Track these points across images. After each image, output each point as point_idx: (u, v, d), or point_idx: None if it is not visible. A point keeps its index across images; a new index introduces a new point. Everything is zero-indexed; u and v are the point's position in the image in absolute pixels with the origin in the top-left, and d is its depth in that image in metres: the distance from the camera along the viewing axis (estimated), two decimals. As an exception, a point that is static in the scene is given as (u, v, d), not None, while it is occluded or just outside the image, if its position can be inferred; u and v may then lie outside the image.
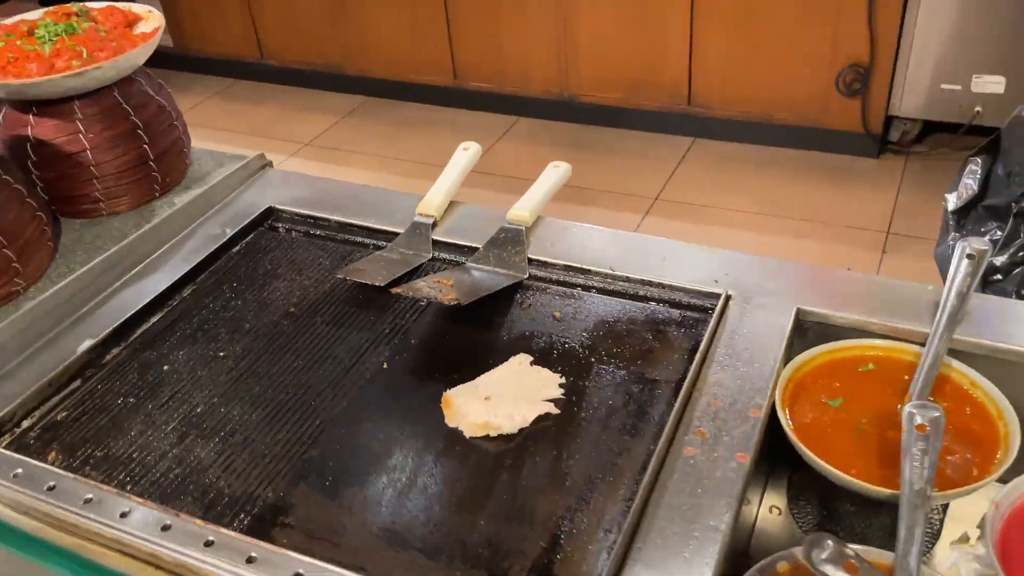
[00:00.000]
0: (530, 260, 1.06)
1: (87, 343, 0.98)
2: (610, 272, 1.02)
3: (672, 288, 0.99)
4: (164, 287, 1.06)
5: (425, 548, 0.74)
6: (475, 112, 3.51)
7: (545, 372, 0.90)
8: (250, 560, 0.72)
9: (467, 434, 0.84)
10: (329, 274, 1.09)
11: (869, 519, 0.90)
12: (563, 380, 0.89)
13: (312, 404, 0.90)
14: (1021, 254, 1.62)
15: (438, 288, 0.97)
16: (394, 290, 0.98)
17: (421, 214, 1.13)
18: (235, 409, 0.90)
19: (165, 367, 0.96)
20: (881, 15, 2.70)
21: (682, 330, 0.95)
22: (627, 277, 1.02)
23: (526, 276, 1.04)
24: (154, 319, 1.04)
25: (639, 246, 1.07)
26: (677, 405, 0.84)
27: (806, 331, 0.95)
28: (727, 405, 0.83)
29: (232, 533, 0.75)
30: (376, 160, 3.29)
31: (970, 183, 1.84)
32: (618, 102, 3.22)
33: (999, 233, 1.69)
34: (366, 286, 1.05)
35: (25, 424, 0.90)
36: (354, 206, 1.20)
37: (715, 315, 0.93)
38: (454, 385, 0.90)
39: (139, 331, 1.02)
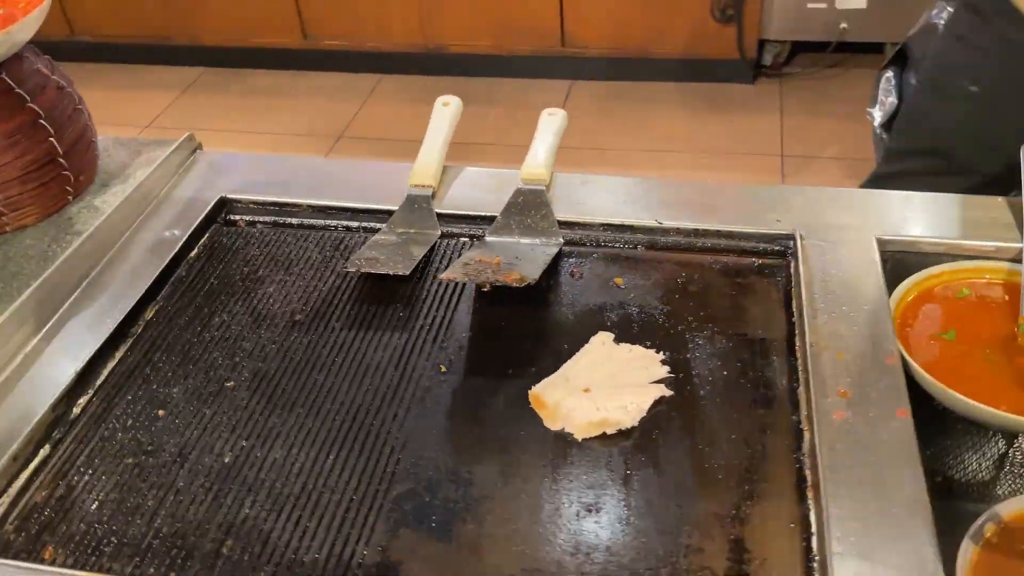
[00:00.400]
0: (559, 223, 0.92)
1: (45, 399, 0.77)
2: (658, 225, 0.91)
3: (735, 235, 0.89)
4: (124, 313, 0.85)
5: (589, 585, 0.61)
6: (332, 73, 3.26)
7: (638, 350, 0.78)
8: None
9: (578, 436, 0.71)
10: (325, 269, 0.91)
11: (984, 452, 0.85)
12: (663, 356, 0.77)
13: (372, 428, 0.73)
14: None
15: (490, 268, 0.82)
16: (443, 276, 0.82)
17: (416, 185, 0.97)
18: (275, 451, 0.72)
19: (159, 411, 0.77)
20: (745, -62, 2.69)
21: (764, 280, 0.85)
22: (678, 228, 0.90)
23: (562, 242, 0.90)
24: (120, 354, 0.83)
25: (675, 192, 0.96)
26: (804, 365, 0.74)
27: (884, 263, 0.88)
28: (855, 357, 0.74)
29: (348, 614, 0.59)
30: (237, 137, 2.99)
31: (889, 96, 1.86)
32: (488, 49, 3.07)
33: (929, 141, 1.71)
34: (376, 278, 0.88)
35: (-7, 516, 0.69)
36: (321, 186, 1.01)
37: (799, 258, 0.84)
38: (535, 380, 0.76)
39: (106, 372, 0.81)
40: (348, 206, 0.98)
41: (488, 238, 0.91)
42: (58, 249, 0.94)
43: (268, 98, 3.20)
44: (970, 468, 0.86)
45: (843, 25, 2.80)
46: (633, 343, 0.79)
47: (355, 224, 0.97)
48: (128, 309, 0.85)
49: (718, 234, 0.90)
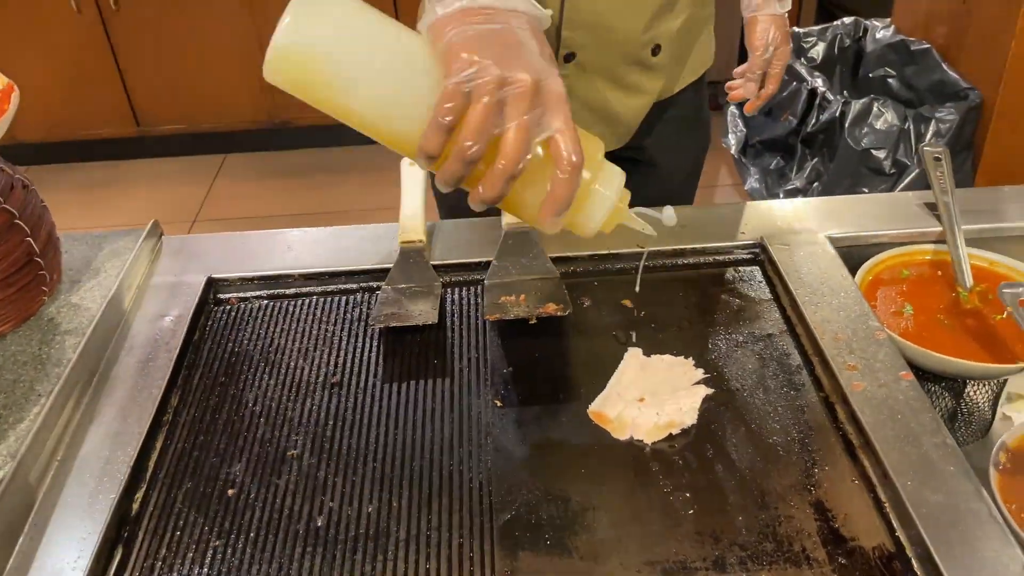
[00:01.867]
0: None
1: (104, 498, 0.74)
2: (640, 250, 1.00)
3: (710, 250, 1.00)
4: (156, 404, 0.83)
5: (709, 564, 0.67)
6: (172, 158, 3.17)
7: (669, 358, 0.86)
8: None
9: (648, 441, 0.78)
10: (342, 331, 0.93)
11: (961, 398, 0.98)
12: (693, 361, 0.86)
13: (452, 468, 0.76)
14: (815, 172, 1.86)
15: (521, 305, 0.88)
16: (489, 317, 0.87)
17: (406, 242, 1.01)
18: (366, 504, 0.74)
19: (229, 491, 0.76)
20: None
21: (749, 284, 0.96)
22: (659, 251, 1.00)
23: (559, 275, 0.97)
24: (159, 444, 0.81)
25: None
26: (813, 349, 0.85)
27: (835, 258, 1.01)
28: (851, 336, 0.86)
29: (513, 633, 0.62)
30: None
31: (738, 126, 2.07)
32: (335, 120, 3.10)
33: (782, 162, 1.94)
34: (396, 333, 0.91)
35: (90, 625, 0.66)
36: (302, 254, 1.03)
37: (775, 262, 0.96)
38: (588, 401, 0.82)
39: (152, 464, 0.79)
40: (341, 270, 1.00)
41: (487, 282, 0.96)
42: (51, 351, 0.90)
43: (108, 189, 3.06)
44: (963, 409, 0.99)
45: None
46: (662, 354, 0.87)
47: (353, 286, 0.99)
48: (158, 399, 0.83)
49: (694, 251, 1.00)
